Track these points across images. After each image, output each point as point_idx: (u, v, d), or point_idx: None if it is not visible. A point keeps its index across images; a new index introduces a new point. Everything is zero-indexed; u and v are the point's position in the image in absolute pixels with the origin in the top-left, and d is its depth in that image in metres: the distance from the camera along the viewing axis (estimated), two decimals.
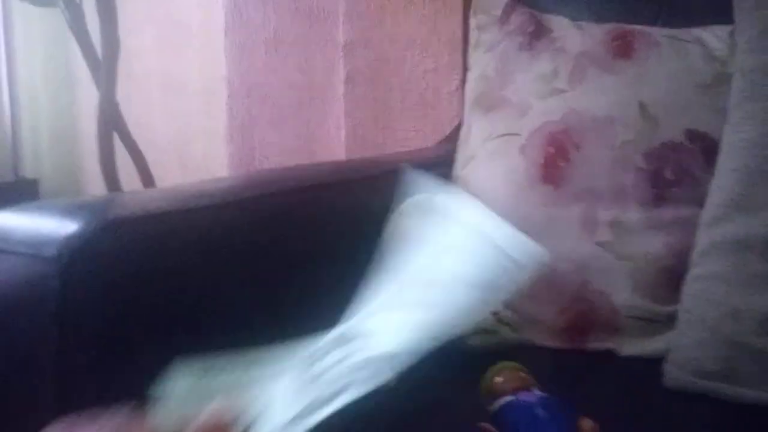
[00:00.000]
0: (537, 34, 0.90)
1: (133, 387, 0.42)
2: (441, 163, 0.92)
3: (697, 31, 0.82)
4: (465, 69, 0.96)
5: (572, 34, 0.88)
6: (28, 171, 1.84)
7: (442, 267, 0.55)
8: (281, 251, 0.68)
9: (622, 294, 0.73)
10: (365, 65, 1.23)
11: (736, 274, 0.60)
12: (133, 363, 0.41)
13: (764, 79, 0.66)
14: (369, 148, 1.22)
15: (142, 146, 1.38)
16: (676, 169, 0.75)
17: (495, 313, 0.76)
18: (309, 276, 0.68)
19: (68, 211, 0.60)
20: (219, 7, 1.33)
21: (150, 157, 1.39)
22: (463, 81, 0.95)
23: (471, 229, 0.56)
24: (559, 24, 0.90)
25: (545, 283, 0.76)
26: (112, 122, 1.32)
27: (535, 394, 0.49)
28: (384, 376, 0.45)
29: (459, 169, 0.91)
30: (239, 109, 1.32)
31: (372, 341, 0.51)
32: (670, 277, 0.70)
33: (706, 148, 0.74)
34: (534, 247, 0.52)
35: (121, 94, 1.33)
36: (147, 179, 1.37)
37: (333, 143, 1.26)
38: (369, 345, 0.50)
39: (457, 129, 0.94)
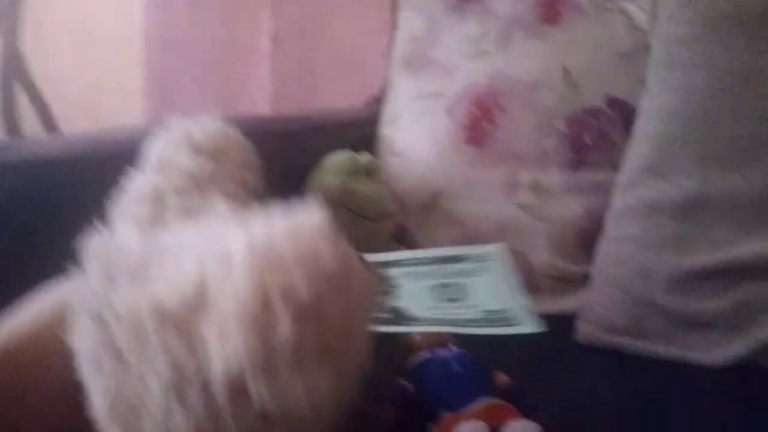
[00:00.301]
0: None
1: None
2: (366, 123, 0.90)
3: (622, 2, 0.83)
4: (394, 29, 0.94)
5: None
6: None
7: (472, 284, 0.71)
8: None
9: (539, 254, 0.74)
10: (292, 22, 1.19)
11: (648, 235, 0.62)
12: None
13: (681, 50, 0.67)
14: (295, 107, 1.18)
15: (50, 99, 1.28)
16: (595, 135, 0.77)
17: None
18: None
19: None
20: None
21: (59, 110, 1.29)
22: (392, 41, 0.93)
23: (506, 281, 0.71)
24: None
25: (466, 243, 0.77)
26: (15, 72, 1.21)
27: (452, 350, 0.48)
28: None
29: (384, 128, 0.89)
30: (157, 63, 1.25)
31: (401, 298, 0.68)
32: (586, 239, 0.72)
33: (625, 114, 0.75)
34: (537, 320, 0.66)
35: (28, 43, 1.23)
36: (52, 132, 1.28)
37: (257, 102, 1.22)
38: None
39: (385, 89, 0.92)
